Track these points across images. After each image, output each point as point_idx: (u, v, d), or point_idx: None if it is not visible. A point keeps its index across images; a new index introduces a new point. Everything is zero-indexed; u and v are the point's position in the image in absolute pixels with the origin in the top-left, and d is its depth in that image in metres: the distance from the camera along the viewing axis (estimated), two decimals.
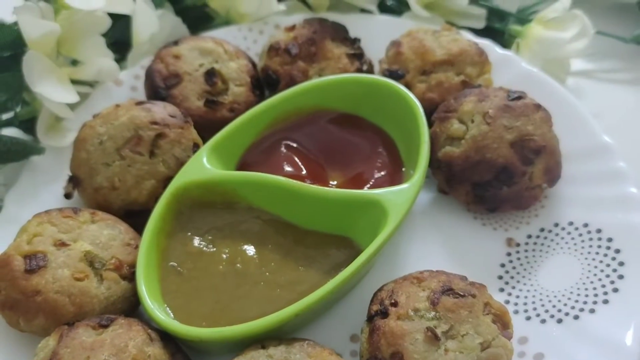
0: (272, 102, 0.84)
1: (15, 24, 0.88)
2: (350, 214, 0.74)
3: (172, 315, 0.70)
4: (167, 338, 0.68)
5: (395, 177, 0.79)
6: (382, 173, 0.79)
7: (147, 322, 0.69)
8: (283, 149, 0.81)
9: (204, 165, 0.78)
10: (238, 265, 0.73)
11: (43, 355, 0.64)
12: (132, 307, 0.72)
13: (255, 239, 0.75)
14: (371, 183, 0.78)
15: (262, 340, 0.66)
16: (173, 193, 0.76)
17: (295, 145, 0.83)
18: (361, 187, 0.77)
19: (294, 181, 0.75)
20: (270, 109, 0.84)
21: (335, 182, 0.80)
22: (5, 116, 0.90)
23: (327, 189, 0.76)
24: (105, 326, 0.65)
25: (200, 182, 0.77)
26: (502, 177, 0.77)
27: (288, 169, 0.79)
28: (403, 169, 0.81)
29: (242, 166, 0.82)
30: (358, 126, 0.84)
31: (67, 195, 0.81)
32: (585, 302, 0.71)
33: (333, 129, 0.84)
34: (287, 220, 0.76)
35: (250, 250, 0.74)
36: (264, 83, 0.94)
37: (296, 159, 0.80)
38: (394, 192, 0.73)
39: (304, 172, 0.79)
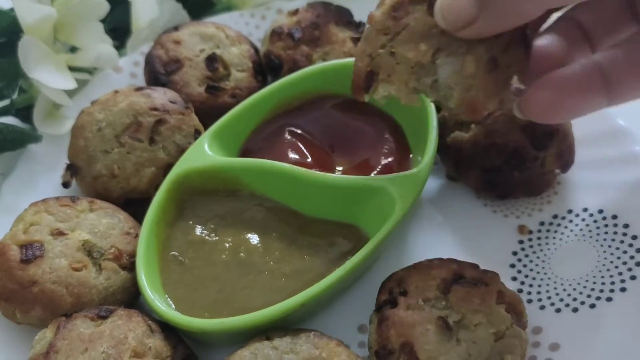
0: (275, 87, 0.82)
1: (11, 9, 0.86)
2: (357, 202, 0.72)
3: (173, 306, 0.67)
4: (168, 329, 0.65)
5: (402, 163, 0.77)
6: (389, 159, 0.76)
7: (148, 313, 0.67)
8: (287, 135, 0.79)
9: (206, 152, 0.76)
10: (241, 254, 0.71)
11: (40, 348, 0.62)
12: (132, 298, 0.70)
13: (259, 227, 0.73)
14: (378, 170, 0.76)
15: (266, 331, 0.64)
16: (174, 181, 0.74)
17: (299, 131, 0.80)
18: (368, 174, 0.75)
19: (299, 168, 0.73)
20: (274, 95, 0.81)
21: (341, 169, 0.77)
22: (2, 104, 0.88)
23: (333, 176, 0.73)
24: (104, 317, 0.63)
25: (201, 169, 0.75)
26: (512, 162, 0.74)
27: (292, 155, 0.77)
28: (411, 155, 0.78)
29: (244, 153, 0.80)
30: (364, 112, 0.81)
31: (65, 184, 0.79)
32: (601, 291, 0.69)
33: (338, 114, 0.82)
34: (292, 207, 0.74)
35: (253, 238, 0.72)
36: (266, 68, 0.92)
37: (300, 145, 0.78)
38: (402, 178, 0.71)
39: (309, 158, 0.77)
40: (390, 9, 0.61)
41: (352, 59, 0.84)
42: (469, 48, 0.58)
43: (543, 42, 0.63)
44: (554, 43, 0.63)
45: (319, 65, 0.83)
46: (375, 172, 0.76)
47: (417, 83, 0.61)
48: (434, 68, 0.60)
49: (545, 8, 0.55)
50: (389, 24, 0.61)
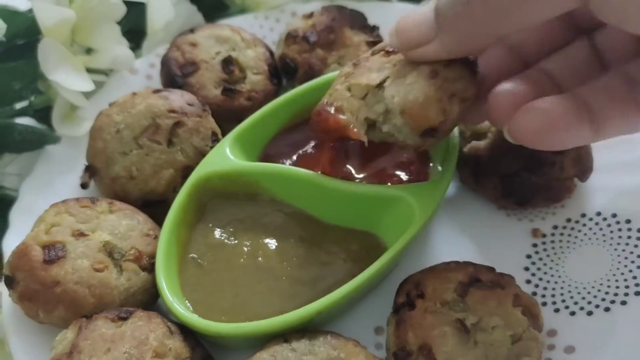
0: (297, 92, 0.82)
1: (30, 11, 0.87)
2: (376, 210, 0.72)
3: (191, 309, 0.68)
4: (186, 331, 0.66)
5: (422, 172, 0.77)
6: (409, 168, 0.77)
7: (166, 314, 0.67)
8: (307, 141, 0.80)
9: (227, 156, 0.76)
10: (259, 259, 0.71)
11: (62, 348, 0.62)
12: (152, 299, 0.71)
13: (278, 233, 0.73)
14: (397, 178, 0.76)
15: (284, 333, 0.64)
16: (195, 184, 0.74)
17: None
18: (386, 182, 0.75)
19: (318, 174, 0.73)
20: (295, 100, 0.82)
21: (360, 176, 0.78)
22: (20, 105, 0.89)
23: (352, 183, 0.74)
24: (125, 318, 0.64)
25: (222, 172, 0.75)
26: (530, 166, 0.75)
27: (312, 161, 0.77)
28: (430, 165, 0.79)
29: (265, 158, 0.80)
30: None
31: (84, 185, 0.80)
32: (616, 294, 0.69)
33: None
34: (310, 214, 0.75)
35: (272, 243, 0.73)
36: (281, 71, 0.92)
37: (320, 150, 0.79)
38: (421, 188, 0.71)
39: (328, 165, 0.77)
40: (355, 61, 0.69)
41: None
42: (414, 69, 0.63)
43: (508, 85, 0.64)
44: (519, 85, 0.64)
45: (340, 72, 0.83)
46: (394, 180, 0.76)
47: (368, 111, 0.64)
48: (382, 93, 0.63)
49: (499, 36, 0.58)
50: (350, 70, 0.68)
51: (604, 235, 0.75)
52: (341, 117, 0.65)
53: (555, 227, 0.78)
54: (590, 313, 0.69)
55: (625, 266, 0.71)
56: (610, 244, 0.74)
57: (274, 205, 0.76)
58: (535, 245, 0.77)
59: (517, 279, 0.68)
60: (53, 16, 0.81)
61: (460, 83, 0.62)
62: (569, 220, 0.78)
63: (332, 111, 0.66)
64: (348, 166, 0.79)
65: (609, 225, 0.75)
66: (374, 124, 0.65)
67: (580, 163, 0.76)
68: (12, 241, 0.74)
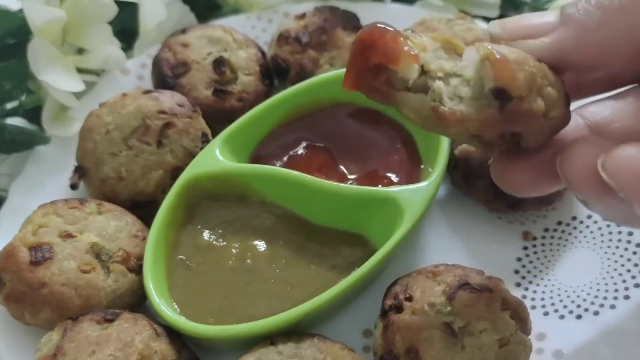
0: (288, 94, 0.82)
1: (20, 10, 0.86)
2: (365, 212, 0.72)
3: (178, 311, 0.68)
4: (173, 333, 0.66)
5: (413, 174, 0.77)
6: (400, 170, 0.77)
7: (153, 316, 0.67)
8: (297, 142, 0.79)
9: (217, 157, 0.76)
10: (248, 260, 0.71)
11: (47, 350, 0.62)
12: (139, 301, 0.70)
13: (267, 234, 0.73)
14: (388, 180, 0.76)
15: (271, 336, 0.64)
16: (184, 185, 0.74)
17: (309, 138, 0.81)
18: (377, 184, 0.75)
19: (308, 176, 0.73)
20: (287, 101, 0.81)
21: (350, 178, 0.77)
22: (10, 105, 0.88)
23: (342, 185, 0.73)
24: (110, 320, 0.64)
25: (212, 174, 0.75)
26: None
27: (302, 162, 0.77)
28: (421, 166, 0.78)
29: (255, 159, 0.80)
30: (376, 121, 0.82)
31: (73, 186, 0.79)
32: (605, 298, 0.69)
33: (350, 122, 0.82)
34: (300, 215, 0.74)
35: (261, 245, 0.72)
36: (273, 72, 0.92)
37: (310, 152, 0.79)
38: (411, 190, 0.71)
39: (318, 166, 0.77)
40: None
41: None
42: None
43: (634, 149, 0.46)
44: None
45: (333, 73, 0.83)
46: (384, 182, 0.76)
47: (432, 61, 0.50)
48: (459, 58, 0.50)
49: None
50: None
51: (594, 238, 0.75)
52: (402, 39, 0.49)
53: (546, 230, 0.77)
54: (579, 317, 0.69)
55: (615, 270, 0.71)
56: (601, 248, 0.74)
57: (264, 207, 0.75)
58: (525, 248, 0.77)
59: (507, 281, 0.68)
60: (43, 16, 0.81)
61: (557, 92, 0.50)
62: (559, 223, 0.78)
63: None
64: (341, 167, 0.79)
65: (600, 228, 0.75)
66: (424, 85, 0.49)
67: None
68: (1, 242, 0.73)
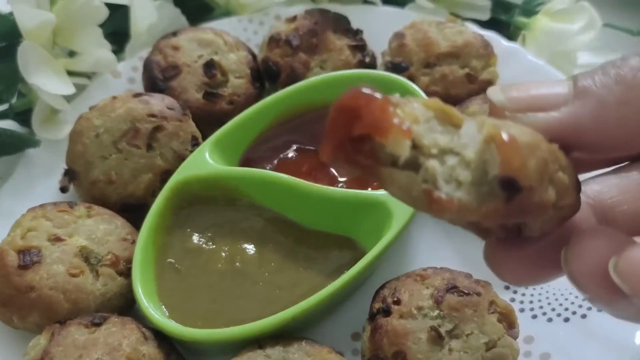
0: (277, 97, 0.82)
1: (11, 13, 0.86)
2: (354, 215, 0.72)
3: (167, 314, 0.68)
4: (161, 337, 0.66)
5: None
6: None
7: (141, 320, 0.67)
8: (287, 145, 0.80)
9: (206, 160, 0.76)
10: (237, 264, 0.71)
11: (34, 354, 0.62)
12: (128, 304, 0.70)
13: (256, 238, 0.73)
14: (376, 183, 0.76)
15: (259, 339, 0.64)
16: (173, 188, 0.74)
17: (300, 141, 0.81)
18: (367, 187, 0.75)
19: (298, 179, 0.73)
20: (276, 104, 0.82)
21: (340, 181, 0.77)
22: (0, 108, 0.88)
23: (332, 188, 0.74)
24: (98, 324, 0.64)
25: (201, 177, 0.75)
26: None
27: (292, 165, 0.77)
28: None
29: (245, 162, 0.80)
30: None
31: (63, 189, 0.80)
32: None
33: None
34: (290, 218, 0.75)
35: (250, 249, 0.73)
36: (264, 75, 0.92)
37: (300, 155, 0.79)
38: None
39: (308, 169, 0.77)
40: None
41: (357, 70, 0.85)
42: None
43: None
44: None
45: (322, 76, 0.83)
46: (374, 185, 0.76)
47: (425, 135, 0.42)
48: (458, 131, 0.42)
49: None
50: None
51: None
52: (392, 108, 0.42)
53: None
54: (567, 320, 0.69)
55: None
56: None
57: (253, 210, 0.75)
58: None
59: (496, 285, 0.67)
60: (33, 19, 0.81)
61: (569, 177, 0.43)
62: None
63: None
64: (331, 169, 0.79)
65: None
66: (415, 161, 0.41)
67: None
68: None
